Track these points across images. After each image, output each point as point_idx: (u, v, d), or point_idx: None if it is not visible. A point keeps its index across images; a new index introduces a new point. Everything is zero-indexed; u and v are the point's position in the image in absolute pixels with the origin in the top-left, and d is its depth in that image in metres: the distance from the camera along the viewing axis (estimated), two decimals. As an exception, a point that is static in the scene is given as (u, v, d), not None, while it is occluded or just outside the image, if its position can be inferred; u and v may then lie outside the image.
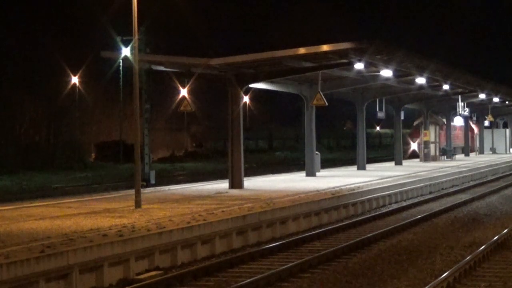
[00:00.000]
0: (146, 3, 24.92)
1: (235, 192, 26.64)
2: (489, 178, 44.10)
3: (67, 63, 64.33)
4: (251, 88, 35.38)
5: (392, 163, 49.13)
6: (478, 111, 67.90)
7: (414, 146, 53.62)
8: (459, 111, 53.26)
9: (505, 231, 19.69)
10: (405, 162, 49.66)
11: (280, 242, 18.63)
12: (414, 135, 62.51)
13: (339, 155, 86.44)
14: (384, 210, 26.75)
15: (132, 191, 22.50)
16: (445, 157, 57.63)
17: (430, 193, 33.61)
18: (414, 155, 59.23)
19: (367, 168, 42.20)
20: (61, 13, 74.31)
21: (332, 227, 21.73)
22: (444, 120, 62.26)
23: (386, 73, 32.08)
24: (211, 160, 75.42)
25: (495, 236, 18.83)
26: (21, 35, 63.65)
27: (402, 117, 50.53)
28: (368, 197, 27.16)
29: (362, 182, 30.57)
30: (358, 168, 41.99)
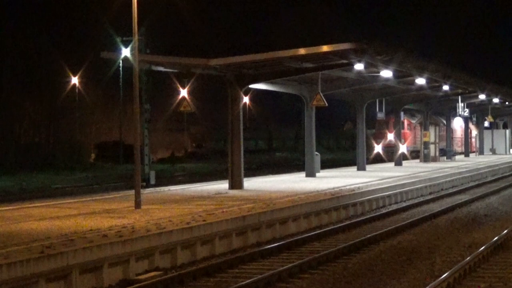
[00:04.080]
0: (146, 3, 24.90)
1: (235, 192, 26.63)
2: (489, 178, 44.11)
3: (67, 63, 64.36)
4: (251, 88, 35.36)
5: (392, 164, 49.13)
6: (478, 112, 67.89)
7: (378, 148, 50.08)
8: (459, 111, 53.24)
9: (504, 232, 19.69)
10: (405, 163, 49.64)
11: (280, 243, 18.63)
12: (378, 136, 58.10)
13: (339, 155, 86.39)
14: (384, 210, 26.74)
15: (132, 192, 22.50)
16: (445, 157, 57.64)
17: (430, 193, 33.61)
18: (379, 159, 53.54)
19: (367, 169, 42.20)
20: (61, 13, 74.33)
21: (332, 227, 21.73)
22: (444, 120, 62.26)
23: (386, 73, 32.07)
24: (211, 160, 75.40)
25: (494, 237, 18.83)
26: (21, 35, 63.63)
27: (402, 118, 50.48)
28: (368, 197, 27.16)
29: (362, 183, 30.56)
30: (358, 169, 41.98)
